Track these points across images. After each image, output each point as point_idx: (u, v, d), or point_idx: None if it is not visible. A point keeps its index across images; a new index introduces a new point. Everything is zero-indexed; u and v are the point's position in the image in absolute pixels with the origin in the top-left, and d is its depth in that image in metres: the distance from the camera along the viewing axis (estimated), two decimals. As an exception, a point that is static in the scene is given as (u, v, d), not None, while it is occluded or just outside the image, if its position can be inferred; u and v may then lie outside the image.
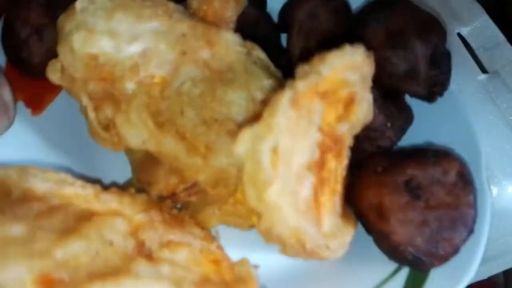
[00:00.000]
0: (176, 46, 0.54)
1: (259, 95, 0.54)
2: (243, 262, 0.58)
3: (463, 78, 0.61)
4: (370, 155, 0.58)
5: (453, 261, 0.54)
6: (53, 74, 0.52)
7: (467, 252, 0.55)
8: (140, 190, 0.59)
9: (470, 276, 0.55)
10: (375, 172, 0.55)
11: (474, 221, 0.53)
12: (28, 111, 0.60)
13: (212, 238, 0.59)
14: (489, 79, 0.62)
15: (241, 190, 0.53)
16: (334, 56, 0.46)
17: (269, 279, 0.59)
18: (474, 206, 0.53)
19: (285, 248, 0.51)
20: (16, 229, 0.46)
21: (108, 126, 0.53)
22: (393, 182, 0.54)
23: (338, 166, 0.55)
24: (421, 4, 0.59)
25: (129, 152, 0.61)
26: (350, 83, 0.48)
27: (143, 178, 0.59)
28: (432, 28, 0.57)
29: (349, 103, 0.51)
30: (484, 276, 0.66)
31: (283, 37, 0.68)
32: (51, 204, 0.51)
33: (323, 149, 0.50)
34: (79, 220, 0.49)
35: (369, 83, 0.53)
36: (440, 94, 0.58)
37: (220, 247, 0.58)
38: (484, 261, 0.64)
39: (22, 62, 0.57)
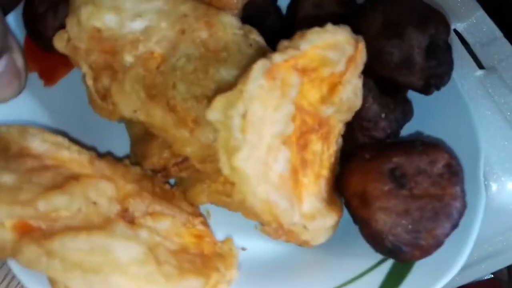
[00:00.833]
0: (176, 25, 0.57)
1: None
2: (227, 240, 0.59)
3: (460, 74, 0.60)
4: (362, 145, 0.58)
5: (437, 255, 0.52)
6: (59, 43, 0.56)
7: (453, 247, 0.53)
8: (136, 164, 0.62)
9: (453, 272, 0.53)
10: (363, 159, 0.55)
11: (459, 214, 0.52)
12: (41, 82, 0.64)
13: (199, 214, 0.60)
14: (486, 74, 0.61)
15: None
16: (314, 33, 0.47)
17: (254, 263, 0.60)
18: (460, 199, 0.52)
19: (264, 227, 0.51)
20: (6, 177, 0.49)
21: (105, 95, 0.56)
22: (378, 169, 0.53)
23: (324, 150, 0.55)
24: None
25: (129, 126, 0.63)
26: (331, 62, 0.48)
27: (138, 152, 0.61)
28: (430, 20, 0.56)
29: (334, 85, 0.51)
30: (486, 273, 0.64)
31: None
32: (45, 163, 0.54)
33: (305, 129, 0.51)
34: (67, 179, 0.52)
35: (358, 68, 0.53)
36: (437, 87, 0.57)
37: (205, 223, 0.60)
38: (485, 258, 0.62)
39: (38, 35, 0.62)
